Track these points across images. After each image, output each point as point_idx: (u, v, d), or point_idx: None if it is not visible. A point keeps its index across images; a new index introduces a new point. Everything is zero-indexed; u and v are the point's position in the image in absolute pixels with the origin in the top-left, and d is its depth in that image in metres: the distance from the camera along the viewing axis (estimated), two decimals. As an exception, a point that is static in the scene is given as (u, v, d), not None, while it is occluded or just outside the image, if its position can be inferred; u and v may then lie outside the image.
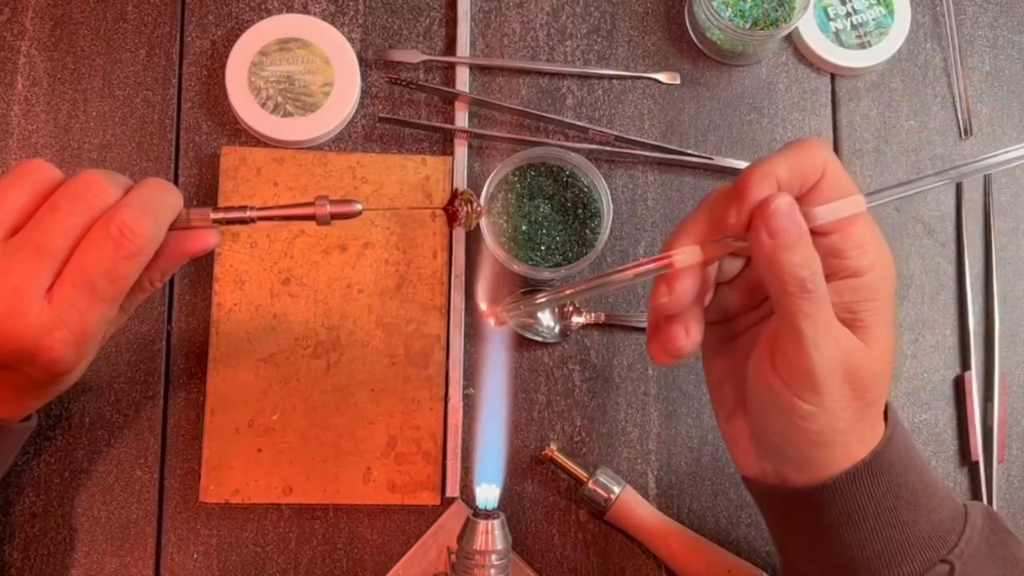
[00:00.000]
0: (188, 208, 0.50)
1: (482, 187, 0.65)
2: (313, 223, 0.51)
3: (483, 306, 0.52)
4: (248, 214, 0.51)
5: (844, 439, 0.47)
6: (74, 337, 0.47)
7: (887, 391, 0.48)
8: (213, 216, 0.51)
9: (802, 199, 0.46)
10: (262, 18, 0.69)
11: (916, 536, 0.48)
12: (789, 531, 0.52)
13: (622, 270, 0.47)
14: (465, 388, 0.67)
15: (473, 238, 0.67)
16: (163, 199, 0.49)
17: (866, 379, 0.46)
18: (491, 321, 0.52)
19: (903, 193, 0.47)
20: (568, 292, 0.49)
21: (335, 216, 0.51)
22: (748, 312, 0.52)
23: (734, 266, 0.51)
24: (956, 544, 0.48)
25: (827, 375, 0.45)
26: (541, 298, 0.50)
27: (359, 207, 0.51)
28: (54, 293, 0.47)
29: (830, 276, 0.46)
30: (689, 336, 0.48)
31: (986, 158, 0.47)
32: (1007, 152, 0.46)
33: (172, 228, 0.49)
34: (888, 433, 0.48)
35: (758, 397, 0.48)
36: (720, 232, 0.46)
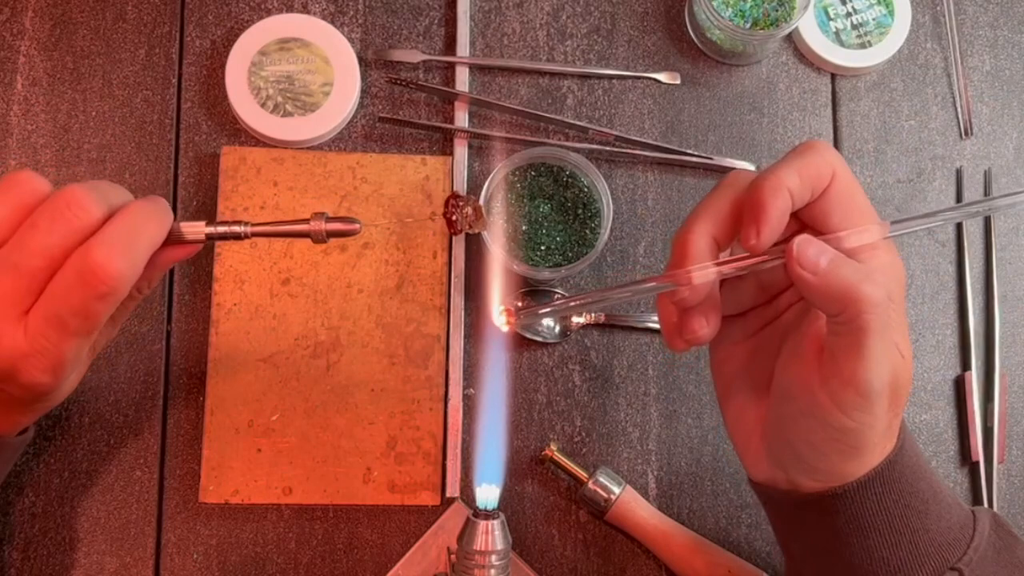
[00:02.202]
0: (180, 222, 0.49)
1: (482, 187, 0.65)
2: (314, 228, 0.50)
3: (496, 310, 0.51)
4: (242, 229, 0.50)
5: (872, 450, 0.47)
6: (49, 365, 0.46)
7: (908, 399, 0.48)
8: (207, 231, 0.49)
9: (813, 205, 0.46)
10: (262, 18, 0.69)
11: (925, 544, 0.47)
12: (796, 536, 0.52)
13: (639, 283, 0.47)
14: (465, 388, 0.67)
15: (473, 239, 0.67)
16: (145, 229, 0.47)
17: (902, 390, 0.46)
18: (503, 320, 0.51)
19: (929, 224, 0.46)
20: (576, 303, 0.49)
21: (331, 234, 0.50)
22: (762, 307, 0.51)
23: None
24: (965, 552, 0.48)
25: (880, 393, 0.45)
26: (547, 307, 0.50)
27: (358, 226, 0.50)
28: (29, 321, 0.45)
29: None
30: (709, 325, 0.48)
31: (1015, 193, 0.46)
32: None
33: (164, 244, 0.48)
34: (900, 442, 0.48)
35: (796, 409, 0.47)
36: (743, 249, 0.46)
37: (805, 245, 0.44)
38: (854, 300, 0.43)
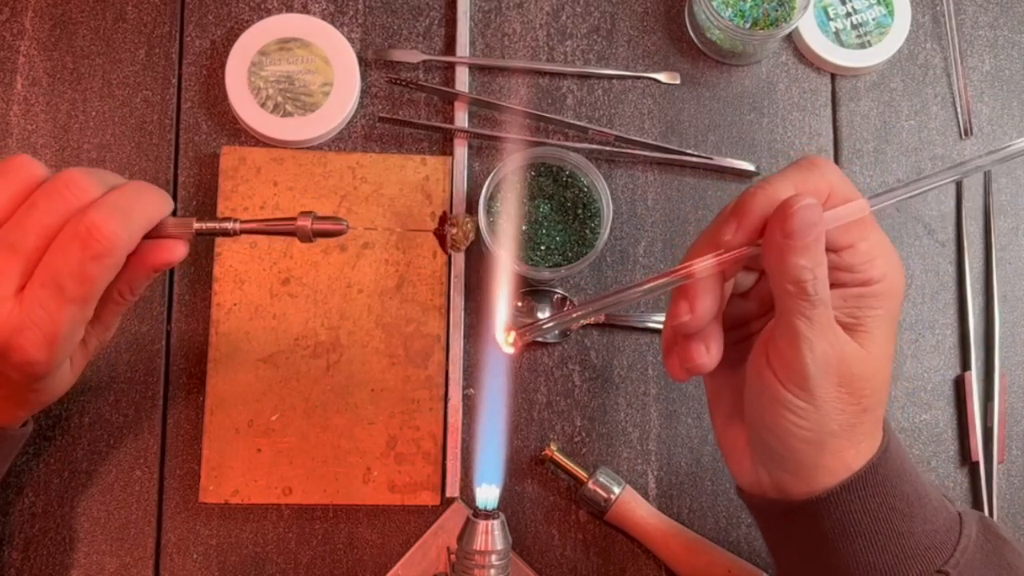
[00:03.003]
0: (172, 217, 0.50)
1: (482, 187, 0.65)
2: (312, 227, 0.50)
3: (500, 334, 0.51)
4: (231, 226, 0.50)
5: (837, 443, 0.47)
6: (44, 338, 0.46)
7: (886, 398, 0.48)
8: (196, 226, 0.50)
9: None
10: (262, 18, 0.69)
11: (912, 547, 0.47)
12: (784, 543, 0.52)
13: (642, 284, 0.47)
14: (465, 388, 0.67)
15: (474, 243, 0.67)
16: (141, 203, 0.48)
17: (861, 382, 0.46)
18: (509, 342, 0.51)
19: (905, 195, 0.47)
20: (579, 313, 0.49)
21: (317, 233, 0.50)
22: (756, 319, 0.52)
23: (748, 280, 0.51)
24: (952, 554, 0.48)
25: (819, 375, 0.45)
26: (550, 321, 0.50)
27: (344, 226, 0.50)
28: (24, 293, 0.46)
29: (839, 285, 0.46)
30: (711, 353, 0.48)
31: (986, 155, 0.47)
32: (1006, 148, 0.47)
33: (151, 235, 0.48)
34: (884, 444, 0.48)
35: (753, 392, 0.48)
36: (719, 248, 0.46)
37: (806, 209, 0.44)
38: (784, 279, 0.44)
